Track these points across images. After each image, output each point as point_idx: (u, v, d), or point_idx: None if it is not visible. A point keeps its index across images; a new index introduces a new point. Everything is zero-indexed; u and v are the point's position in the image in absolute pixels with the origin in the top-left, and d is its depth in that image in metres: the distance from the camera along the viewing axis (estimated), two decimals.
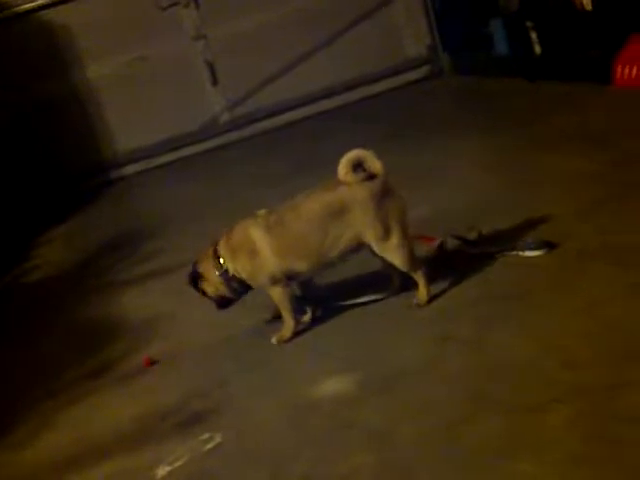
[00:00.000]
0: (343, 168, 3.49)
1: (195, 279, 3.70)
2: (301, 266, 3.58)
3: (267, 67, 8.26)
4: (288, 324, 3.67)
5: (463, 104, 7.34)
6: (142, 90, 7.98)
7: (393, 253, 3.53)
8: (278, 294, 3.63)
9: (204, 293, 3.72)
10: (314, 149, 6.62)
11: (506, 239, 3.85)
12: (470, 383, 2.93)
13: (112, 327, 4.44)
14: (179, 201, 6.30)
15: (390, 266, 3.62)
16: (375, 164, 3.48)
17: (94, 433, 3.45)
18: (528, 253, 3.69)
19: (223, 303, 3.75)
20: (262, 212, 3.64)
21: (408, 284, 3.65)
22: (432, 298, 3.58)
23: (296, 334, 3.66)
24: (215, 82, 8.22)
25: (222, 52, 8.10)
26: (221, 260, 3.61)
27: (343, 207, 3.50)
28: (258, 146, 7.72)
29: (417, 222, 4.23)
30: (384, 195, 3.49)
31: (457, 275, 3.70)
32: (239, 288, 3.67)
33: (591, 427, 2.52)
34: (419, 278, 3.58)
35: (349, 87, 8.35)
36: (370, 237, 3.51)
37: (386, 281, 3.73)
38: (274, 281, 3.59)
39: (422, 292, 3.59)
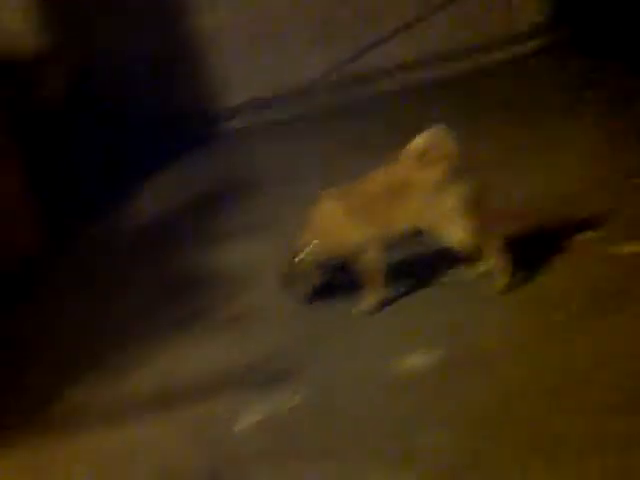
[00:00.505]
0: (416, 146, 3.48)
1: (292, 277, 3.79)
2: (373, 235, 3.61)
3: (381, 26, 8.16)
4: (374, 291, 3.69)
5: (580, 82, 7.09)
6: (254, 43, 8.00)
7: (456, 238, 3.47)
8: (366, 262, 3.67)
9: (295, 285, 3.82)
10: (420, 116, 6.53)
11: None
12: (555, 377, 2.91)
13: (205, 278, 4.53)
14: (283, 158, 6.32)
15: (491, 245, 3.55)
16: (448, 145, 3.43)
17: (179, 379, 3.57)
18: None
19: (316, 293, 3.84)
20: (331, 189, 3.73)
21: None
22: (513, 286, 3.49)
23: (382, 305, 3.68)
24: (325, 39, 8.18)
25: (337, 5, 8.03)
26: (308, 247, 3.71)
27: (406, 187, 3.49)
28: (364, 109, 7.67)
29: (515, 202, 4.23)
30: (450, 179, 3.42)
31: (550, 262, 3.63)
32: (330, 270, 3.79)
33: None
34: (498, 264, 3.51)
35: (461, 55, 8.21)
36: (427, 221, 3.49)
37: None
38: (360, 250, 3.64)
39: (500, 274, 3.50)
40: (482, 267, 3.64)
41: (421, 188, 3.46)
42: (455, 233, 3.46)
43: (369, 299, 3.69)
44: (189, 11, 8.03)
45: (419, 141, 3.48)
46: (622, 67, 6.46)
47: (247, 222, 5.08)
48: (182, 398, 3.42)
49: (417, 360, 3.22)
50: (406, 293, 3.75)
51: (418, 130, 3.51)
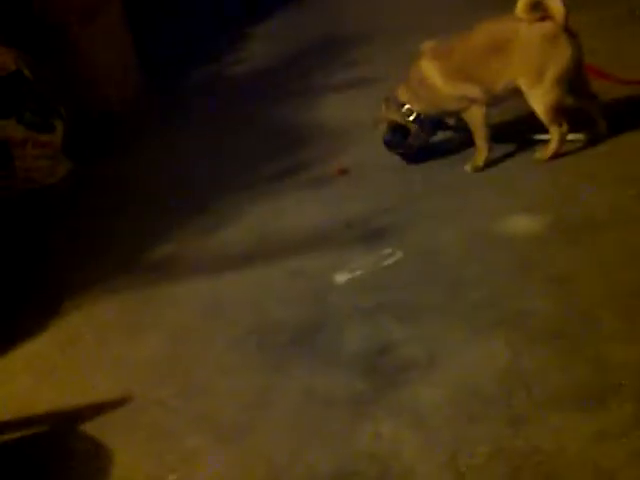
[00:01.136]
0: (522, 4, 3.35)
1: (402, 134, 3.72)
2: (473, 91, 3.53)
3: None
4: (481, 150, 3.60)
5: None
6: None
7: (538, 100, 3.41)
8: (472, 116, 3.59)
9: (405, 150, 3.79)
10: None
11: None
12: None
13: (309, 131, 4.49)
14: (390, 12, 6.11)
15: (594, 109, 3.52)
16: (556, 5, 3.28)
17: (277, 232, 3.58)
18: None
19: (417, 153, 3.80)
20: (430, 44, 3.66)
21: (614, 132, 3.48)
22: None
23: (489, 166, 3.59)
24: None
25: None
26: (406, 106, 3.67)
27: (507, 43, 3.41)
28: None
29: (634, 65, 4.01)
30: (552, 40, 3.32)
31: None
32: (432, 128, 3.77)
33: None
34: (554, 134, 3.45)
35: None
36: (522, 79, 3.41)
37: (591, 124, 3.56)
38: (462, 103, 3.57)
39: (550, 147, 3.48)
40: (583, 135, 3.55)
41: (526, 43, 3.38)
42: (541, 97, 3.40)
43: (478, 156, 3.61)
44: None
45: None
46: None
47: (352, 76, 4.97)
48: (279, 251, 3.43)
49: (522, 222, 3.14)
50: (509, 155, 3.65)
51: None
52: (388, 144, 3.80)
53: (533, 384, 2.33)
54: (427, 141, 3.81)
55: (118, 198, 4.32)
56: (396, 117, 3.72)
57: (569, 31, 3.35)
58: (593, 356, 2.38)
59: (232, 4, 7.00)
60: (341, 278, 3.10)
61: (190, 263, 3.55)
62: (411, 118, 3.70)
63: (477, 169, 3.60)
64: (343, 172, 3.87)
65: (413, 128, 3.72)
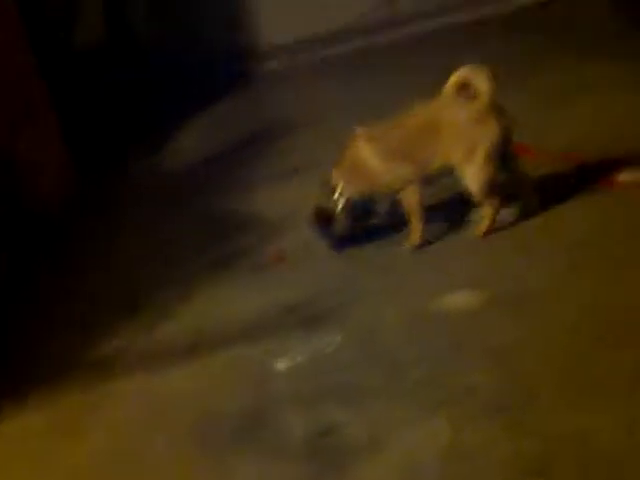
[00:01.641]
0: (450, 85, 3.45)
1: (328, 218, 3.72)
2: (409, 172, 3.58)
3: None
4: (416, 229, 3.64)
5: (628, 22, 6.86)
6: None
7: (471, 178, 3.47)
8: (407, 197, 3.63)
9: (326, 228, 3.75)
10: (453, 59, 6.39)
11: None
12: (601, 313, 2.82)
13: (243, 219, 4.49)
14: (320, 99, 6.22)
15: (525, 184, 3.60)
16: (483, 85, 3.38)
17: (218, 321, 3.53)
18: None
19: (343, 240, 3.77)
20: (364, 127, 3.69)
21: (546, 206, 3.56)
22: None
23: (426, 245, 3.62)
24: None
25: None
26: (339, 189, 3.68)
27: (438, 124, 3.48)
28: (410, 48, 7.50)
29: (567, 143, 4.15)
30: (480, 119, 3.41)
31: (601, 203, 3.53)
32: (362, 213, 3.74)
33: None
34: (487, 211, 3.52)
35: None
36: (454, 158, 3.48)
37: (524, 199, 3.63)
38: (396, 185, 3.61)
39: (484, 224, 3.53)
40: (515, 210, 3.62)
41: (455, 123, 3.46)
42: (473, 175, 3.46)
43: (414, 235, 3.64)
44: None
45: (456, 77, 3.45)
46: None
47: (285, 164, 5.02)
48: (221, 341, 3.38)
49: (460, 299, 3.15)
50: (445, 233, 3.69)
51: (454, 69, 3.46)
52: (314, 231, 3.79)
53: (477, 459, 2.31)
54: (352, 230, 3.79)
55: (58, 296, 4.24)
56: (326, 204, 3.72)
57: (497, 109, 3.43)
58: (534, 428, 2.37)
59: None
60: (282, 365, 3.07)
61: (130, 359, 3.48)
62: (340, 206, 3.70)
63: (413, 248, 3.63)
64: (280, 258, 3.87)
65: (340, 216, 3.72)
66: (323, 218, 3.74)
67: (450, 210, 3.79)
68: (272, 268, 3.83)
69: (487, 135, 3.43)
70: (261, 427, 2.76)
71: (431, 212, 3.69)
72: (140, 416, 3.04)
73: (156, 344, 3.52)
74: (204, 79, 7.33)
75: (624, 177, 3.63)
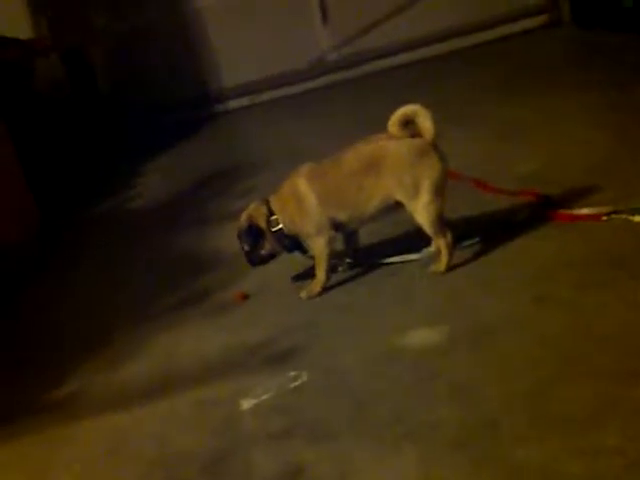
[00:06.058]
0: (392, 122, 3.49)
1: (257, 236, 3.72)
2: (342, 216, 3.61)
3: (379, 7, 8.12)
4: (320, 278, 3.69)
5: (580, 57, 7.06)
6: (251, 24, 7.96)
7: (420, 213, 3.51)
8: (320, 246, 3.66)
9: (251, 250, 3.75)
10: (421, 94, 6.50)
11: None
12: (564, 346, 2.86)
13: (205, 260, 4.52)
14: (279, 139, 6.27)
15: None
16: (426, 123, 3.44)
17: (181, 362, 3.54)
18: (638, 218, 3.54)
19: (263, 259, 3.80)
20: (307, 165, 3.69)
21: (506, 240, 3.63)
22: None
23: (387, 283, 3.65)
24: (325, 20, 8.14)
25: None
26: (274, 216, 3.68)
27: (379, 161, 3.51)
28: (364, 88, 7.62)
29: (525, 176, 4.26)
30: (422, 155, 3.45)
31: (560, 235, 3.61)
32: (289, 244, 3.73)
33: None
34: (442, 245, 3.55)
35: (462, 32, 8.15)
36: (400, 195, 3.51)
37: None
38: (319, 231, 3.62)
39: (442, 260, 3.57)
40: (467, 242, 3.69)
41: (398, 159, 3.48)
42: (422, 210, 3.50)
43: (316, 284, 3.71)
44: None
45: (399, 114, 3.48)
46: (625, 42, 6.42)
47: (245, 204, 5.00)
48: (184, 381, 3.37)
49: (422, 335, 3.18)
50: (406, 270, 3.72)
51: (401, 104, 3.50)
52: (239, 237, 3.77)
53: None
54: (276, 254, 3.80)
55: (20, 336, 4.23)
56: (261, 222, 3.70)
57: (436, 147, 3.49)
58: (500, 460, 2.39)
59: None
60: (247, 404, 3.06)
61: (93, 399, 3.46)
62: (274, 229, 3.69)
63: (312, 296, 3.69)
64: (244, 297, 3.88)
65: (269, 237, 3.71)
66: (254, 231, 3.72)
67: (407, 245, 3.82)
68: (236, 307, 3.84)
69: (430, 170, 3.46)
70: (228, 467, 2.75)
71: (388, 247, 3.73)
72: (104, 456, 3.02)
73: (121, 383, 3.50)
74: (169, 122, 7.38)
75: (583, 211, 3.70)
